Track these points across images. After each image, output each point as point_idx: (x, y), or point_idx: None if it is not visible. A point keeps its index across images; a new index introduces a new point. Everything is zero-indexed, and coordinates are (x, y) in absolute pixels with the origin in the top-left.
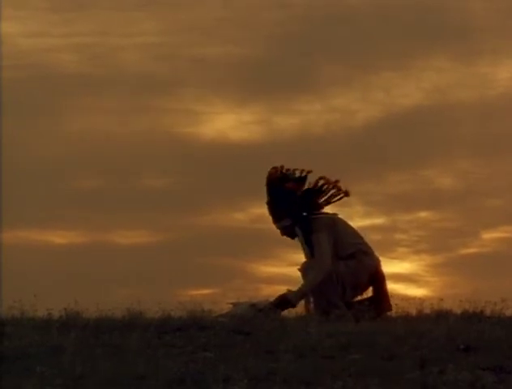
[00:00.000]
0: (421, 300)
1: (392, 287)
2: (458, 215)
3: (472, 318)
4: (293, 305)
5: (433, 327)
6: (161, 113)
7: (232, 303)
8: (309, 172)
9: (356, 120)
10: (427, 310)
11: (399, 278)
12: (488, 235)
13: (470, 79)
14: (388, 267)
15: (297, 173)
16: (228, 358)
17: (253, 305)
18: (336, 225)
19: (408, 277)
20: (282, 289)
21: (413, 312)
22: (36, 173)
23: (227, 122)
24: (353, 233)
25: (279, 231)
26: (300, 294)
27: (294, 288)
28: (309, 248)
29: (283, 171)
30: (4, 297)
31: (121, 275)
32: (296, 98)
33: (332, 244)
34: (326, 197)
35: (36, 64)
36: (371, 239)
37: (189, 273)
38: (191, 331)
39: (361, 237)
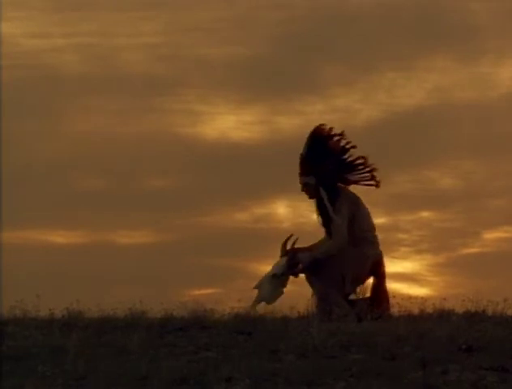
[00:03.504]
0: (423, 299)
1: (394, 286)
2: (459, 215)
3: (474, 318)
4: (304, 267)
5: (435, 326)
6: (163, 114)
7: (255, 287)
8: (353, 146)
9: (358, 120)
10: (429, 310)
11: (401, 277)
12: (489, 235)
13: (472, 79)
14: (390, 266)
15: (342, 143)
16: (230, 358)
17: (274, 276)
18: (358, 205)
19: (410, 277)
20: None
21: (415, 312)
22: (37, 173)
23: (228, 123)
24: (368, 221)
25: (300, 186)
26: (312, 258)
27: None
28: (323, 215)
29: (331, 132)
30: (6, 297)
31: (124, 275)
32: (298, 98)
33: (348, 220)
34: (357, 177)
35: (37, 64)
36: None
37: (191, 273)
38: (193, 330)
39: (374, 229)
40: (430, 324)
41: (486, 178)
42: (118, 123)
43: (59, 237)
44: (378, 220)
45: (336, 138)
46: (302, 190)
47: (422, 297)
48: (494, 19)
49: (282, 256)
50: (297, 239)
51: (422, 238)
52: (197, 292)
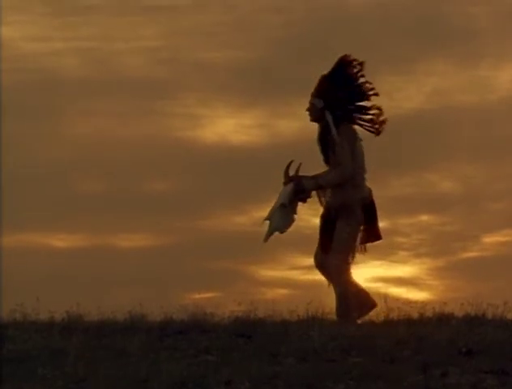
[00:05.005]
0: (423, 303)
1: (394, 290)
2: (459, 219)
3: (474, 322)
4: (307, 193)
5: (435, 330)
6: (163, 117)
7: (266, 219)
8: (375, 94)
9: None
10: (429, 314)
11: (401, 282)
12: (489, 239)
13: (471, 82)
14: (389, 270)
15: (368, 86)
16: (230, 361)
17: (282, 205)
18: (356, 146)
19: (410, 281)
20: (283, 292)
21: (415, 315)
22: (37, 176)
23: (228, 126)
24: (363, 160)
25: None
26: (316, 186)
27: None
28: (323, 141)
29: (359, 71)
30: (6, 300)
31: (124, 279)
32: (298, 102)
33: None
34: (362, 121)
35: (37, 68)
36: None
37: (190, 276)
38: (193, 334)
39: (365, 170)
40: (430, 328)
41: (486, 182)
42: (118, 126)
43: (59, 241)
44: None
45: (363, 79)
46: (307, 110)
47: (422, 301)
48: (494, 23)
49: (285, 183)
50: (301, 164)
51: (421, 242)
52: (197, 295)
